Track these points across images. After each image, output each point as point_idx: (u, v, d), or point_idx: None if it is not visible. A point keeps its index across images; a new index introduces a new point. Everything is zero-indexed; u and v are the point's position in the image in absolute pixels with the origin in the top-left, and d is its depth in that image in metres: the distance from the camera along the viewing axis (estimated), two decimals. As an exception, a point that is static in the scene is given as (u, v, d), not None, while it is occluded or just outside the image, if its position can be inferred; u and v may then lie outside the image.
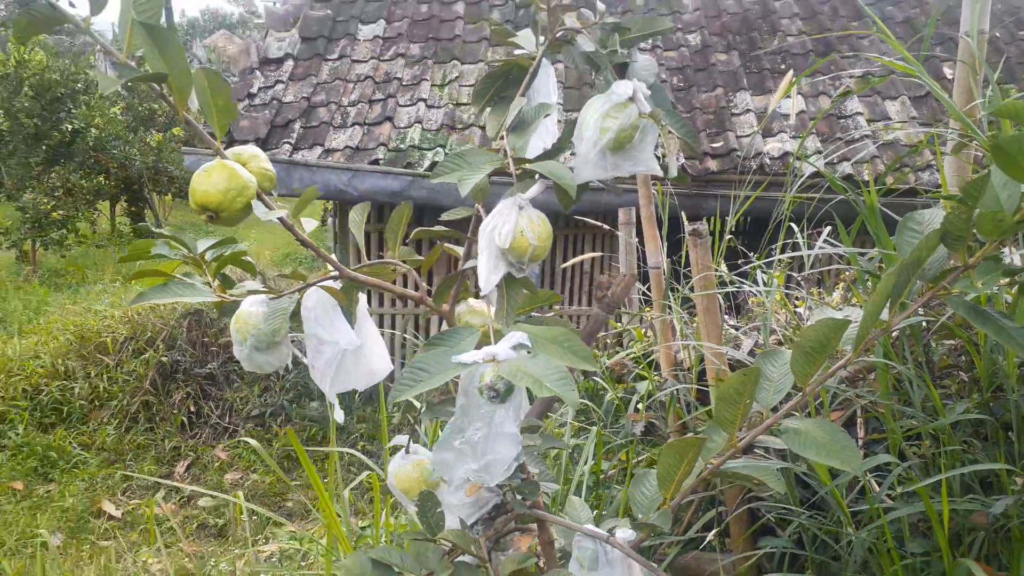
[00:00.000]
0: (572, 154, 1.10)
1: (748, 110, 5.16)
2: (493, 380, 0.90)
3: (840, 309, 1.81)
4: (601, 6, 1.06)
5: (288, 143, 4.90)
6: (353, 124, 5.13)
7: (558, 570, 1.07)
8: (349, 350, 1.21)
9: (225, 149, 1.09)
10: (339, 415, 1.25)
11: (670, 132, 1.06)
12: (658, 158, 1.05)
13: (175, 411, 5.32)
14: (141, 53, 1.03)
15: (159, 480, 4.39)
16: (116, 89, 1.01)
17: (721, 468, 1.14)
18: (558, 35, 1.06)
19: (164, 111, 12.52)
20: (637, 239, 2.98)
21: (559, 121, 1.19)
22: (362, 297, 1.25)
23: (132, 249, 1.22)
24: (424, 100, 5.30)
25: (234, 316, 1.19)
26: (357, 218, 1.31)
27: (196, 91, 1.03)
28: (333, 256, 1.18)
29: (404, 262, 1.23)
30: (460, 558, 1.11)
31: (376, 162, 4.90)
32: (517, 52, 1.16)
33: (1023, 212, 0.98)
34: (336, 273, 1.15)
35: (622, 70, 1.09)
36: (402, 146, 5.01)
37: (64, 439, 5.06)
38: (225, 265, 1.24)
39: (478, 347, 0.94)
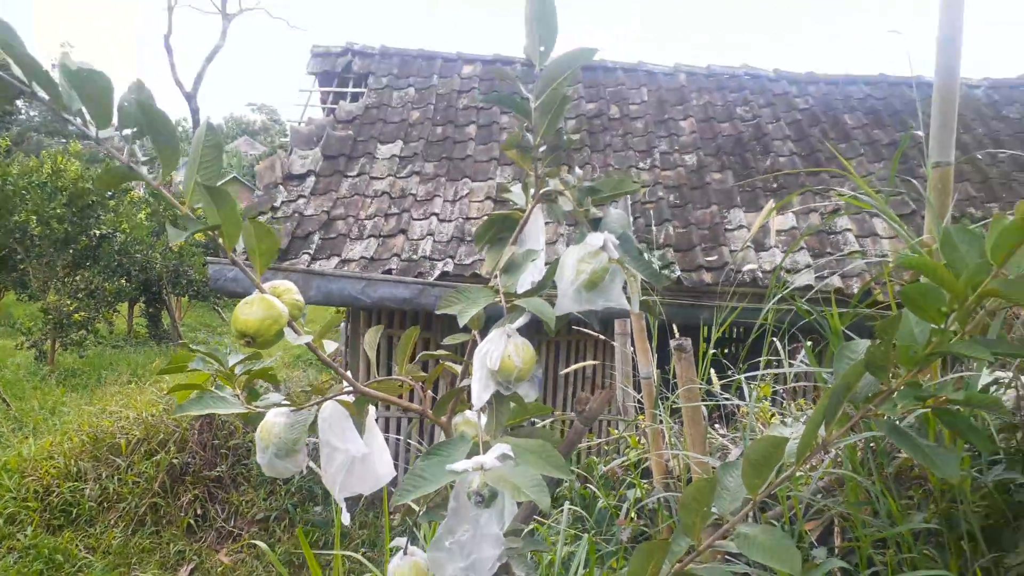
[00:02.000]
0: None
1: (741, 226, 5.45)
2: (479, 486, 1.06)
3: (793, 425, 1.96)
4: (579, 172, 1.29)
5: (307, 253, 5.19)
6: (369, 236, 5.43)
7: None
8: (358, 457, 1.36)
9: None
10: (345, 518, 1.40)
11: (634, 275, 1.27)
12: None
13: (182, 513, 5.38)
14: (199, 206, 1.25)
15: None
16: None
17: (685, 570, 1.28)
18: (543, 195, 1.28)
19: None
20: (632, 348, 3.16)
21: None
22: (371, 408, 1.41)
23: (172, 362, 1.39)
24: (436, 214, 5.62)
25: (259, 426, 1.34)
26: (371, 339, 1.50)
27: (244, 237, 1.25)
28: (348, 373, 1.36)
29: (411, 378, 1.42)
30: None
31: (389, 271, 5.16)
32: (512, 206, 1.38)
33: (932, 346, 1.16)
34: (350, 388, 1.33)
35: (598, 222, 1.30)
36: (414, 257, 5.28)
37: (71, 541, 5.11)
38: (253, 379, 1.41)
39: (469, 457, 1.11)
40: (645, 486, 2.45)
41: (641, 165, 6.32)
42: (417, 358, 1.39)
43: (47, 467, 5.60)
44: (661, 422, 2.54)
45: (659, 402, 2.63)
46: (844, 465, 1.90)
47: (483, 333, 1.29)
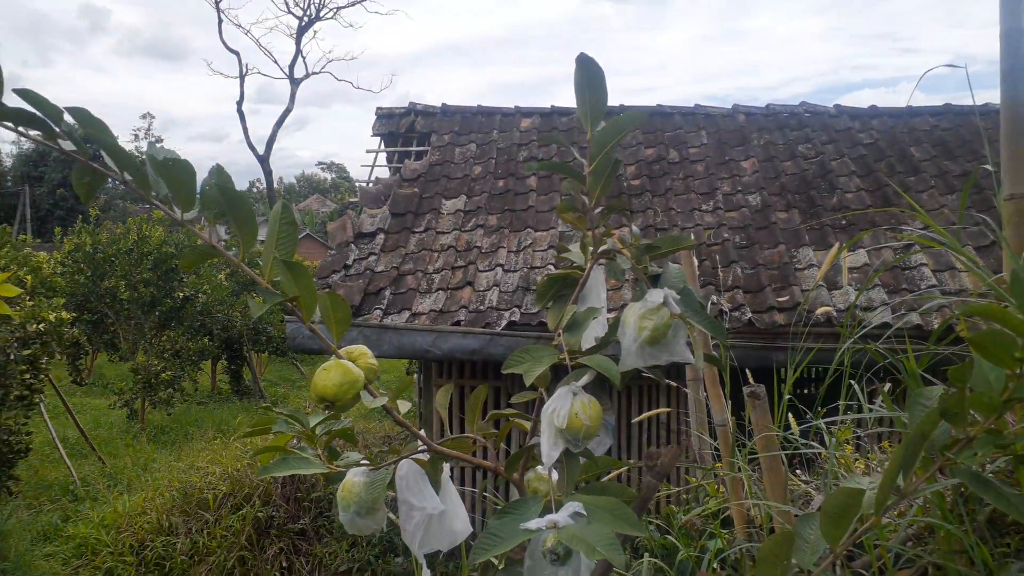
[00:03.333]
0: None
1: (812, 265, 5.34)
2: (554, 545, 1.08)
3: (873, 475, 1.91)
4: (636, 230, 1.32)
5: (379, 309, 5.33)
6: (437, 289, 5.55)
7: None
8: (435, 515, 1.39)
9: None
10: (426, 574, 1.43)
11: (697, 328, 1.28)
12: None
13: (269, 566, 5.50)
14: (279, 279, 1.33)
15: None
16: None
17: (766, 625, 1.26)
18: (601, 253, 1.32)
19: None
20: (705, 394, 3.12)
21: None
22: (446, 467, 1.45)
23: (256, 423, 1.46)
24: (501, 265, 5.71)
25: (340, 486, 1.39)
26: (442, 399, 1.55)
27: (320, 308, 1.32)
28: (422, 429, 1.41)
29: (482, 436, 1.45)
30: None
31: (458, 323, 5.25)
32: (574, 264, 1.42)
33: (1009, 392, 1.14)
34: (425, 447, 1.37)
35: (657, 278, 1.32)
36: (481, 307, 5.36)
37: (164, 596, 5.29)
38: (333, 439, 1.47)
39: (542, 515, 1.13)
40: (726, 536, 2.40)
41: (704, 207, 6.29)
42: (488, 416, 1.43)
43: (141, 522, 5.82)
44: (739, 470, 2.50)
45: (736, 449, 2.59)
46: (933, 512, 1.83)
47: (551, 389, 1.32)
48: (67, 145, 1.23)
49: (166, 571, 5.53)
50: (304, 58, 29.31)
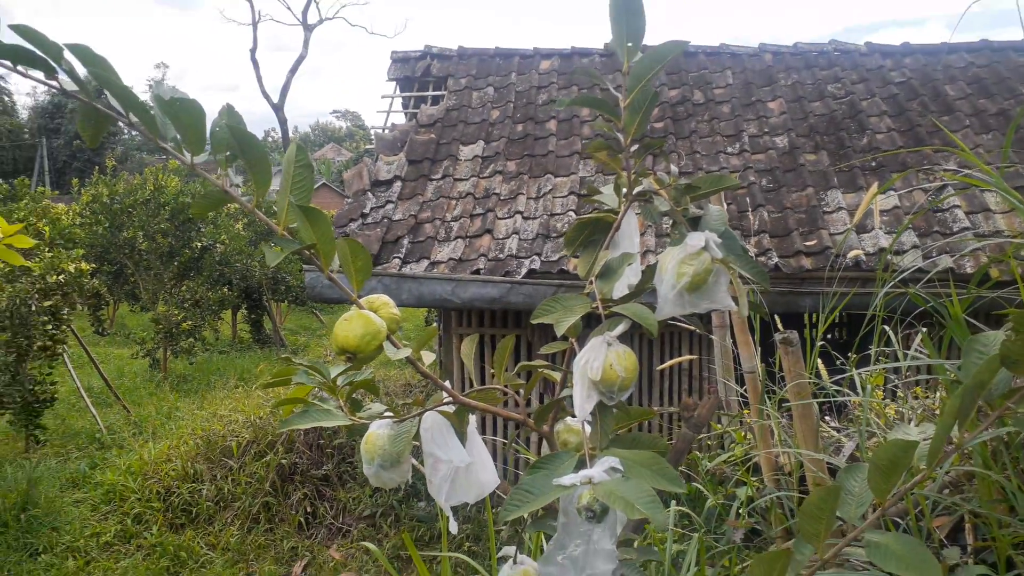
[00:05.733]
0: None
1: (840, 208, 5.20)
2: (590, 502, 1.02)
3: (922, 423, 1.84)
4: (675, 169, 1.24)
5: (398, 258, 5.28)
6: (456, 238, 5.48)
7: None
8: (461, 467, 1.35)
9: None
10: (453, 527, 1.39)
11: (740, 274, 1.21)
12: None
13: (293, 511, 5.59)
14: (295, 226, 1.26)
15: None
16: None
17: (808, 580, 1.21)
18: (637, 195, 1.24)
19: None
20: (732, 341, 3.05)
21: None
22: (472, 418, 1.40)
23: (276, 374, 1.41)
24: (520, 212, 5.62)
25: (364, 438, 1.35)
26: (468, 349, 1.49)
27: (339, 256, 1.25)
28: (447, 383, 1.35)
29: (509, 387, 1.40)
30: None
31: (477, 272, 5.19)
32: (605, 208, 1.34)
33: (1078, 338, 1.06)
34: (450, 399, 1.32)
35: (696, 221, 1.24)
36: (501, 256, 5.29)
37: (193, 539, 5.39)
38: (355, 390, 1.42)
39: (575, 470, 1.08)
40: (755, 483, 2.36)
41: (730, 150, 6.12)
42: (517, 367, 1.37)
43: (166, 469, 5.91)
44: (768, 417, 2.44)
45: (765, 396, 2.53)
46: (974, 460, 1.78)
47: (580, 339, 1.25)
48: (68, 85, 1.16)
49: (193, 516, 5.64)
50: (317, 3, 28.87)
